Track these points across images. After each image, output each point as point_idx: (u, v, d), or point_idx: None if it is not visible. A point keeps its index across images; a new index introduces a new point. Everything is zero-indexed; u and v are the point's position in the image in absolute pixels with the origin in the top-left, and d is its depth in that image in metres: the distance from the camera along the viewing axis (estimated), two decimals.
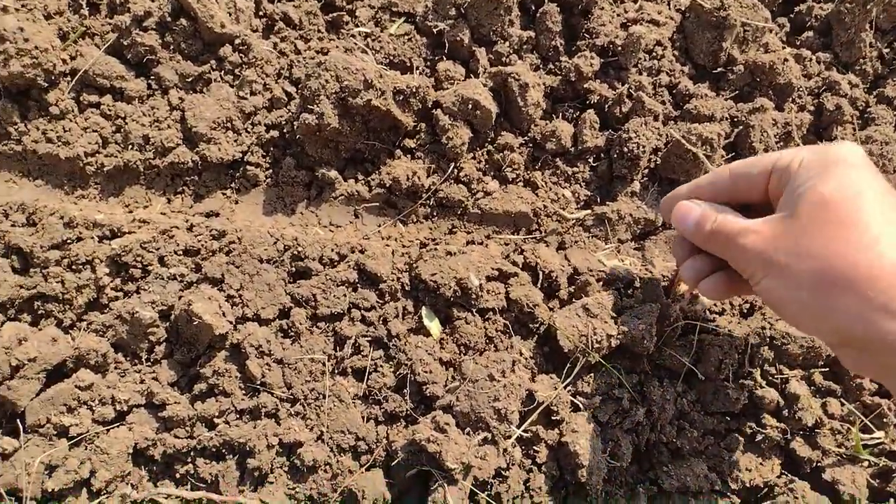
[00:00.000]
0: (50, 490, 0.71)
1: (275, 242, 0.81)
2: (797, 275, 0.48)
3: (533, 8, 0.87)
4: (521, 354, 0.78)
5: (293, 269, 0.81)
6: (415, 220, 0.85)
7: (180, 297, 0.78)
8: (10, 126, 0.83)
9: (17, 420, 0.75)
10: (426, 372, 0.76)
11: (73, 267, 0.79)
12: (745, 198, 0.58)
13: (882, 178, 0.49)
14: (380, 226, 0.86)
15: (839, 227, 0.46)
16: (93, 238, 0.80)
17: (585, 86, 0.84)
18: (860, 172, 0.48)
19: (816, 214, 0.47)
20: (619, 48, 0.84)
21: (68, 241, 0.79)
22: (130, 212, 0.84)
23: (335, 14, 0.89)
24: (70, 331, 0.79)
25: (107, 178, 0.86)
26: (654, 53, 0.86)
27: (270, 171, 0.85)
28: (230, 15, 0.85)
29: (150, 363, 0.79)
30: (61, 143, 0.83)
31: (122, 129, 0.84)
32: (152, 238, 0.80)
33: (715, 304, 0.81)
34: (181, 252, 0.80)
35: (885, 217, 0.45)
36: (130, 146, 0.84)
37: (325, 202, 0.86)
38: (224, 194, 0.86)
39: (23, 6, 0.82)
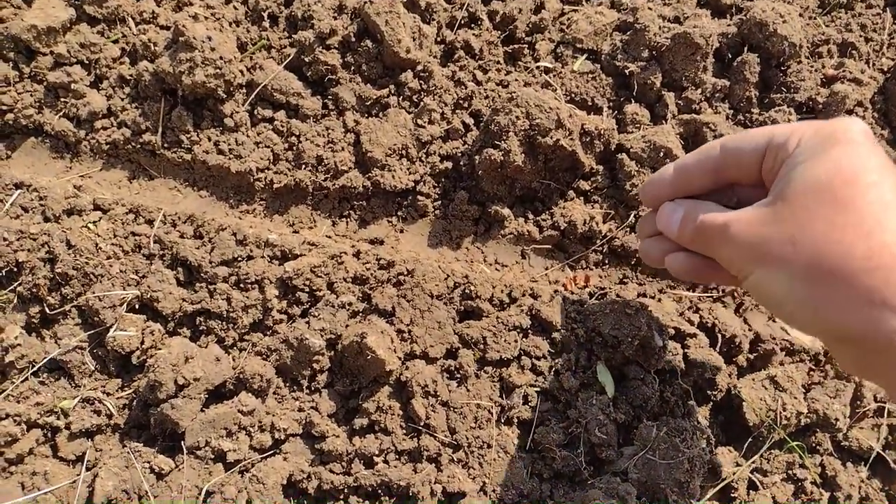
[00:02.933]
0: None
1: (445, 278, 0.78)
2: (790, 266, 0.42)
3: (729, 56, 0.83)
4: (699, 423, 0.74)
5: (462, 307, 0.77)
6: (584, 265, 0.82)
7: (347, 327, 0.75)
8: (182, 134, 0.82)
9: (176, 439, 0.73)
10: (601, 433, 0.71)
11: (242, 286, 0.77)
12: (736, 177, 0.52)
13: (885, 156, 0.43)
14: (547, 268, 0.82)
15: (836, 213, 0.40)
16: (263, 258, 0.78)
17: None
18: (860, 150, 0.42)
19: (811, 199, 0.42)
20: (820, 106, 0.80)
21: (239, 258, 0.77)
22: (296, 231, 0.82)
23: (515, 46, 0.86)
24: (230, 350, 0.77)
25: (273, 196, 0.84)
26: (854, 114, 0.81)
27: (440, 202, 0.83)
28: (414, 40, 0.83)
29: (310, 391, 0.76)
30: (233, 156, 0.82)
31: (294, 148, 0.83)
32: (322, 263, 0.77)
33: None
34: (350, 280, 0.78)
35: (887, 201, 0.40)
36: (303, 165, 0.82)
37: (492, 239, 0.83)
38: (390, 222, 0.84)
39: (212, 14, 0.81)
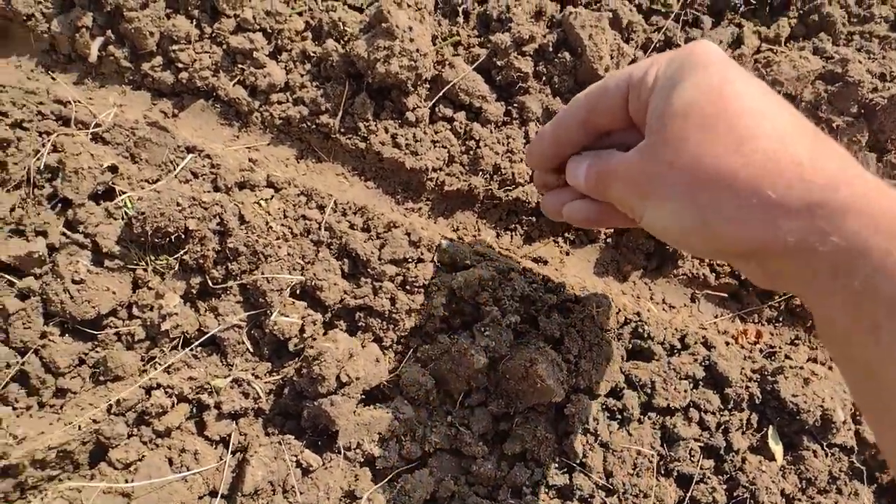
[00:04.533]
0: None
1: (617, 312, 0.75)
2: (674, 193, 0.41)
3: None
4: None
5: (630, 345, 0.74)
6: (756, 319, 0.78)
7: (511, 347, 0.73)
8: (361, 121, 0.79)
9: (325, 436, 0.71)
10: (769, 502, 0.68)
11: (408, 288, 0.74)
12: (607, 123, 0.51)
13: (743, 69, 0.42)
14: (717, 316, 0.79)
15: (707, 130, 0.39)
16: (434, 262, 0.75)
17: None
18: (719, 68, 0.41)
19: (681, 124, 0.41)
20: None
21: (409, 259, 0.75)
22: (461, 238, 0.79)
23: None
24: (386, 351, 0.75)
25: (442, 197, 0.81)
26: None
27: (613, 230, 0.79)
28: (612, 58, 0.79)
29: (462, 407, 0.73)
30: (409, 152, 0.79)
31: (471, 152, 0.79)
32: (491, 277, 0.74)
33: None
34: (517, 298, 0.75)
35: (754, 108, 0.39)
36: (479, 172, 0.79)
37: (663, 277, 0.79)
38: (556, 242, 0.81)
39: (414, 3, 0.78)
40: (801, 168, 0.36)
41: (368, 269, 0.75)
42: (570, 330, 0.73)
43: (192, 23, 0.81)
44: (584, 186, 0.53)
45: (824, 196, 0.35)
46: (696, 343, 0.74)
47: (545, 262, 0.80)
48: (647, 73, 0.45)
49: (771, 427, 0.72)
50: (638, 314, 0.75)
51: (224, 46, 0.81)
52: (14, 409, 0.72)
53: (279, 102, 0.81)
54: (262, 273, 0.72)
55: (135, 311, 0.74)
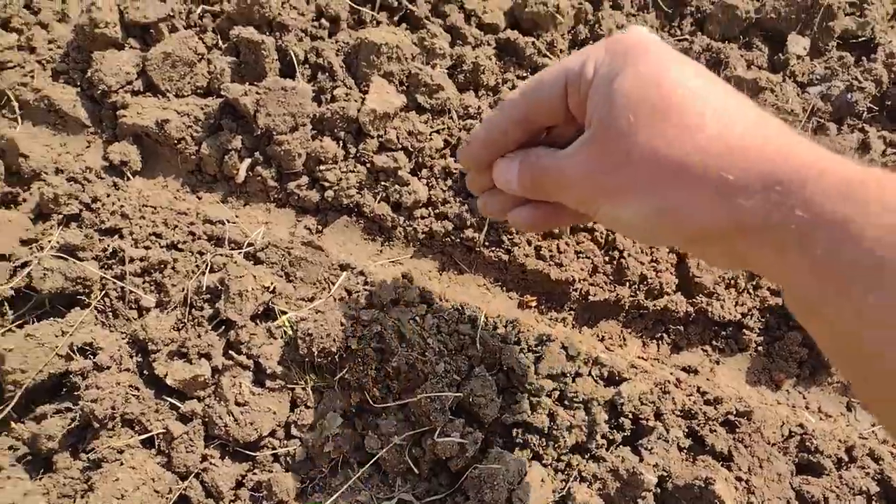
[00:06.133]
0: None
1: (781, 425, 0.74)
2: (633, 186, 0.41)
3: None
4: None
5: (797, 459, 0.73)
6: None
7: (682, 462, 0.71)
8: (505, 234, 0.82)
9: None
10: None
11: (567, 403, 0.74)
12: (546, 120, 0.49)
13: (677, 52, 0.42)
14: (873, 424, 0.77)
15: (657, 120, 0.39)
16: (591, 376, 0.75)
17: None
18: (657, 55, 0.41)
19: (629, 116, 0.40)
20: None
21: (566, 373, 0.75)
22: (608, 349, 0.80)
23: None
24: (546, 468, 0.74)
25: (585, 307, 0.82)
26: None
27: (764, 338, 0.79)
28: None
29: None
30: (553, 263, 0.81)
31: (614, 262, 0.81)
32: (649, 390, 0.74)
33: None
34: (679, 413, 0.74)
35: (695, 93, 0.39)
36: (626, 282, 0.80)
37: (816, 385, 0.79)
38: (705, 351, 0.81)
39: None
40: (750, 145, 0.37)
41: (525, 385, 0.75)
42: (738, 446, 0.72)
43: (338, 144, 0.85)
44: (519, 189, 0.51)
45: (777, 169, 0.35)
46: (863, 455, 0.73)
47: (695, 372, 0.79)
48: (584, 66, 0.44)
49: None
50: (801, 426, 0.74)
51: (368, 165, 0.84)
52: None
53: (422, 217, 0.84)
54: (424, 391, 0.72)
55: (293, 431, 0.74)
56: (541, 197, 0.51)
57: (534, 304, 0.82)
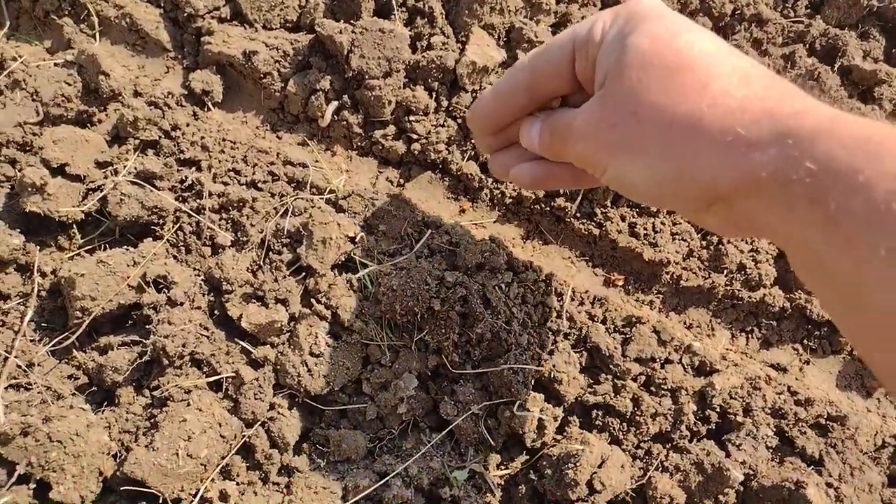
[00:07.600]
0: None
1: (874, 434, 0.70)
2: (643, 144, 0.41)
3: None
4: None
5: (888, 471, 0.69)
6: None
7: (769, 462, 0.68)
8: (598, 207, 0.78)
9: None
10: None
11: (654, 389, 0.71)
12: (554, 88, 0.50)
13: (685, 17, 0.42)
14: None
15: (668, 77, 0.39)
16: (681, 364, 0.71)
17: None
18: (667, 17, 0.42)
19: (640, 73, 0.40)
20: None
21: (656, 358, 0.71)
22: (697, 338, 0.76)
23: None
24: (625, 454, 0.71)
25: (675, 292, 0.78)
26: None
27: None
28: None
29: None
30: (647, 242, 0.76)
31: (711, 247, 0.77)
32: (740, 385, 0.71)
33: None
34: (768, 410, 0.70)
35: (710, 51, 0.40)
36: (723, 270, 0.76)
37: None
38: (795, 349, 0.77)
39: None
40: (765, 102, 0.37)
41: (610, 366, 0.72)
42: (830, 451, 0.68)
43: (430, 95, 0.80)
44: (539, 147, 0.51)
45: (792, 124, 0.35)
46: None
47: (784, 370, 0.76)
48: (592, 30, 0.44)
49: None
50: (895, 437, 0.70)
51: (460, 121, 0.80)
52: (237, 484, 0.69)
53: (511, 182, 0.79)
54: (506, 362, 0.69)
55: (365, 388, 0.71)
56: (557, 156, 0.51)
57: (621, 282, 0.78)
